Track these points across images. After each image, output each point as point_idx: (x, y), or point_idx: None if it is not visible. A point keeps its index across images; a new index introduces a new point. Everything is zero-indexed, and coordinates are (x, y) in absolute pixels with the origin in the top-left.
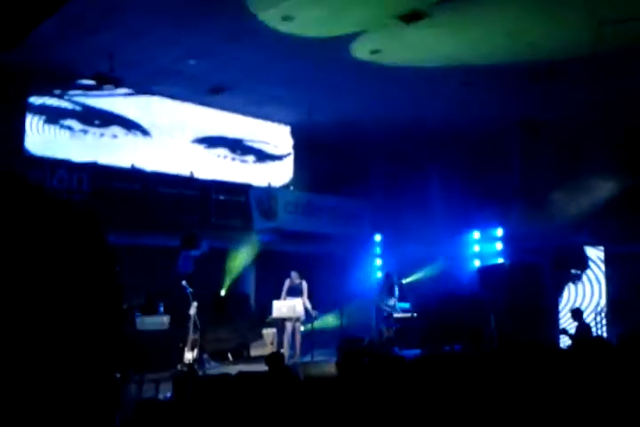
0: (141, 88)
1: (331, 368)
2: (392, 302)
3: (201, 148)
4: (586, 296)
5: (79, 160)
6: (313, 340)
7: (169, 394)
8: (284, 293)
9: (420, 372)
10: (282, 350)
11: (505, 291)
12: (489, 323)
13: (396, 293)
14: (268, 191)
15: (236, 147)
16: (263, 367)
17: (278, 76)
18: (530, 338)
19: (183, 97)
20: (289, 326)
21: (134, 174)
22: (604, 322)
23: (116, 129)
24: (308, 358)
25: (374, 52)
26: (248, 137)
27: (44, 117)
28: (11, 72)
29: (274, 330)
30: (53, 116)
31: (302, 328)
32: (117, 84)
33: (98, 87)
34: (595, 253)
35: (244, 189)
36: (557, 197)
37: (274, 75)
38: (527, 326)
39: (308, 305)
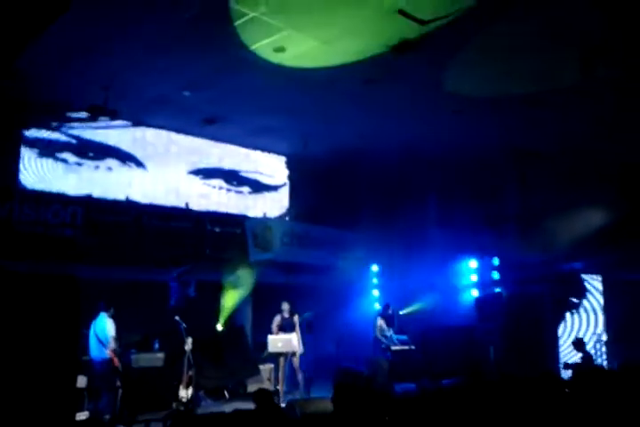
0: (136, 120)
1: (327, 405)
2: (389, 333)
3: (196, 179)
4: (583, 325)
5: (74, 193)
6: (310, 373)
7: None
8: (275, 327)
9: (418, 409)
10: (277, 387)
11: (503, 322)
12: (488, 355)
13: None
14: (264, 222)
15: (232, 178)
16: None
17: (272, 107)
18: (530, 370)
19: (178, 128)
20: (282, 361)
21: (128, 207)
22: (604, 350)
23: (110, 161)
24: (305, 394)
25: (368, 81)
26: (243, 168)
27: (38, 150)
28: (5, 105)
29: (271, 365)
30: (48, 149)
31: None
32: (112, 116)
33: (93, 119)
34: (592, 282)
35: (239, 221)
36: (553, 225)
37: (268, 105)
38: (527, 358)
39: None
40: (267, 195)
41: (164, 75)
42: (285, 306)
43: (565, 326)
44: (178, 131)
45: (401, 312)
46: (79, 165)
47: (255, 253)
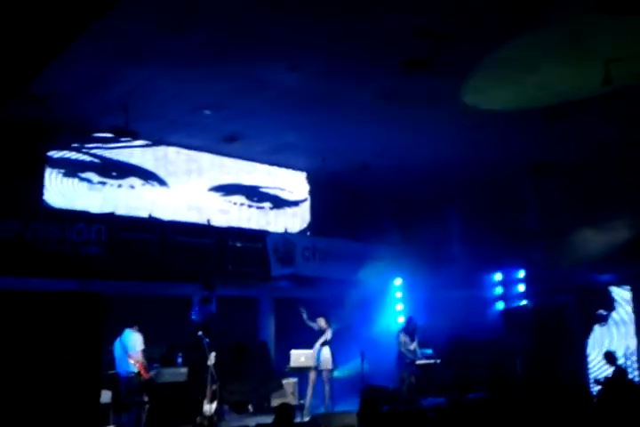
0: (157, 139)
1: (352, 419)
2: (414, 347)
3: (217, 195)
4: (613, 338)
5: (97, 211)
6: (334, 389)
7: None
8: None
9: (447, 423)
10: (301, 401)
11: (530, 334)
12: (515, 368)
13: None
14: (285, 237)
15: (253, 194)
16: None
17: (292, 124)
18: (558, 383)
19: (199, 146)
20: (313, 375)
21: (151, 224)
22: (634, 366)
23: (133, 180)
24: (329, 408)
25: (387, 96)
26: (264, 184)
27: (62, 171)
28: (30, 127)
29: (295, 380)
30: (72, 169)
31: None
32: (134, 136)
33: (115, 139)
34: (621, 294)
35: (260, 236)
36: (578, 237)
37: (287, 122)
38: (555, 371)
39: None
40: (287, 210)
41: (185, 95)
42: (322, 322)
43: (594, 339)
44: (199, 149)
45: (426, 326)
46: (102, 184)
47: (277, 267)
